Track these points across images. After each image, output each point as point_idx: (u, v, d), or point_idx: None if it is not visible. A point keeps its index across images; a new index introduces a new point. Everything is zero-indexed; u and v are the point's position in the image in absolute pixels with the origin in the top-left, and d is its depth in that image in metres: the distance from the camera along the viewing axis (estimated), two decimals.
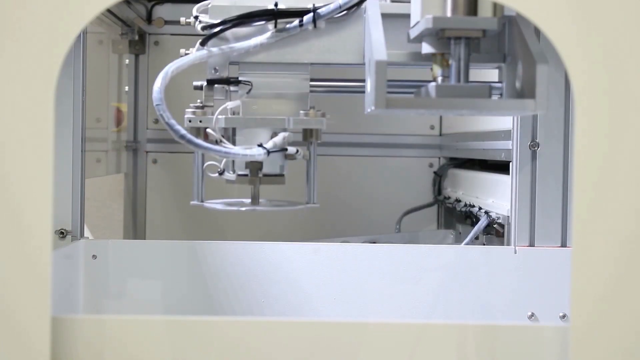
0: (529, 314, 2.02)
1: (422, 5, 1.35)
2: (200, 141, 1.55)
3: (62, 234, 1.99)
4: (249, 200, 1.68)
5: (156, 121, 3.05)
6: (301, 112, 1.63)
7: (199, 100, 1.68)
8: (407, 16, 1.46)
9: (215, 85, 1.65)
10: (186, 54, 1.67)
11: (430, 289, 2.04)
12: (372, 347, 1.29)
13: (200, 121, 1.63)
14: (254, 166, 1.63)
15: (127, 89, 3.03)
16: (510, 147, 2.05)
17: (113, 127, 2.98)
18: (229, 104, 1.63)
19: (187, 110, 1.68)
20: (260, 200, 1.66)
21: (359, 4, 1.56)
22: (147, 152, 3.05)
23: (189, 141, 1.55)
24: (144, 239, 2.97)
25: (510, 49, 1.46)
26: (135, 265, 2.05)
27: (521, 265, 2.01)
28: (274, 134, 1.61)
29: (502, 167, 2.21)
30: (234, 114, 1.64)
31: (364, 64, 1.55)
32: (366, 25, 1.51)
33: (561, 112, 2.01)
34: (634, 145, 1.25)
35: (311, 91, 1.66)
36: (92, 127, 2.60)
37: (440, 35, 1.37)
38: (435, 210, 3.00)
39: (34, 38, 1.25)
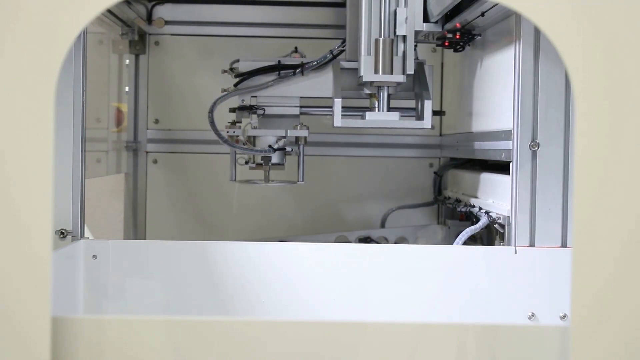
0: (529, 314, 2.02)
1: (363, 67, 2.28)
2: (236, 144, 2.56)
3: (62, 234, 1.99)
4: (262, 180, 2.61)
5: (156, 121, 3.05)
6: (294, 126, 2.57)
7: (233, 120, 2.61)
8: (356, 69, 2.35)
9: (243, 110, 2.58)
10: (225, 91, 2.58)
11: (431, 289, 2.04)
12: (372, 347, 1.29)
13: (234, 132, 2.58)
14: (266, 159, 2.57)
15: (127, 89, 3.03)
16: (511, 147, 2.05)
17: (113, 127, 2.98)
18: (251, 122, 2.58)
19: (225, 125, 2.60)
20: (270, 179, 2.60)
21: (327, 62, 2.52)
22: (147, 152, 3.05)
23: (230, 144, 2.53)
24: (144, 239, 2.97)
25: (415, 87, 2.44)
26: (135, 265, 2.05)
27: (521, 265, 2.01)
28: (279, 139, 2.56)
29: (502, 167, 2.21)
30: (254, 128, 2.57)
31: (332, 97, 2.45)
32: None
33: (561, 112, 2.01)
34: (634, 145, 1.25)
35: (301, 113, 2.59)
36: (92, 127, 2.61)
37: (371, 84, 2.33)
38: (436, 210, 3.00)
39: (34, 38, 1.25)
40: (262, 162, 2.57)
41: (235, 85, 2.56)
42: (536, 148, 2.02)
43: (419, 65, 2.43)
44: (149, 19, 2.97)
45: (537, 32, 2.00)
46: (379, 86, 2.30)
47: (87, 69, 2.03)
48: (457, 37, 2.43)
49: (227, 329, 1.30)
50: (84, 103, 2.02)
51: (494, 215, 2.17)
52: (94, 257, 2.04)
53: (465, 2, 2.28)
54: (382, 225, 2.92)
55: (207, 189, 3.02)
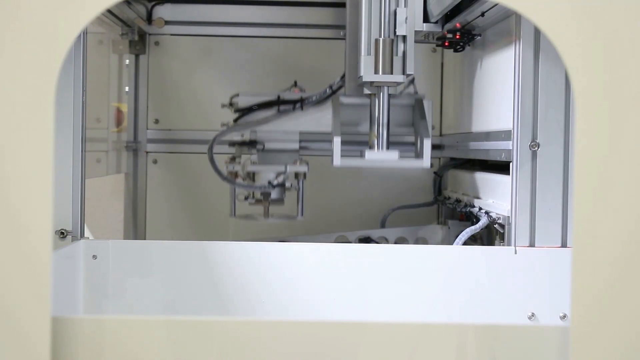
0: (529, 314, 2.02)
1: (363, 67, 2.25)
2: (236, 181, 2.54)
3: (62, 234, 1.99)
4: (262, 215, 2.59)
5: (156, 121, 3.05)
6: (293, 161, 2.53)
7: (233, 155, 2.60)
8: (357, 105, 2.47)
9: (242, 145, 2.58)
10: (224, 125, 2.60)
11: (430, 289, 2.04)
12: (372, 347, 1.29)
13: (234, 167, 2.55)
14: (266, 195, 2.54)
15: (127, 89, 3.03)
16: (511, 147, 2.05)
17: (113, 127, 2.98)
18: (251, 157, 2.58)
19: (225, 161, 2.57)
20: (269, 215, 2.58)
21: (327, 98, 2.52)
22: (147, 152, 3.05)
23: (230, 182, 2.53)
24: (144, 239, 2.97)
25: (414, 123, 2.46)
26: (135, 265, 2.05)
27: (521, 265, 2.01)
28: (278, 175, 2.52)
29: (502, 167, 2.21)
30: (253, 163, 2.55)
31: (330, 132, 2.44)
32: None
33: (561, 112, 2.01)
34: (634, 145, 1.25)
35: (300, 147, 2.58)
36: (92, 127, 2.60)
37: (371, 84, 2.30)
38: (436, 210, 3.00)
39: (34, 38, 1.25)
40: (261, 197, 2.56)
41: (235, 120, 2.57)
42: (536, 148, 2.02)
43: (418, 102, 2.44)
44: (149, 19, 2.97)
45: (537, 32, 2.00)
46: (379, 86, 2.30)
47: (87, 69, 2.03)
48: (457, 37, 2.43)
49: (227, 329, 1.30)
50: (84, 103, 2.02)
51: (494, 215, 2.17)
52: (94, 257, 2.04)
53: (465, 2, 2.28)
54: (382, 225, 2.92)
55: (207, 189, 3.02)
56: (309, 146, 2.62)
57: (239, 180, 2.55)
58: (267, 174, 2.53)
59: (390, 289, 2.04)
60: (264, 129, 2.55)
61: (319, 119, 2.54)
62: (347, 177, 3.05)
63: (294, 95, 2.57)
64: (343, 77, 2.48)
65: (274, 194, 2.54)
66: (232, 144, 2.60)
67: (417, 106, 2.43)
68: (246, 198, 2.57)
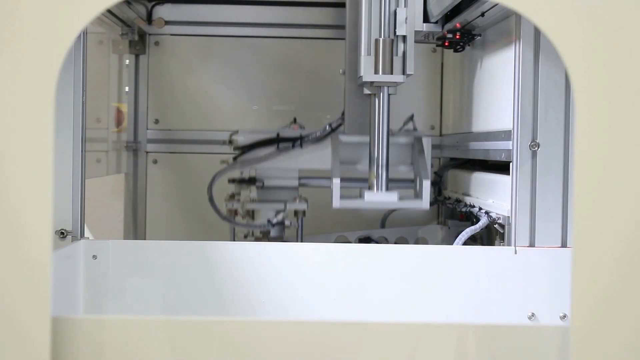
0: (529, 314, 2.02)
1: (363, 67, 2.25)
2: (235, 219, 2.59)
3: (62, 234, 1.99)
4: None
5: (156, 121, 3.05)
6: (292, 198, 2.57)
7: (232, 192, 2.64)
8: (356, 144, 2.48)
9: (242, 183, 2.61)
10: (224, 163, 2.60)
11: (431, 289, 2.04)
12: (372, 347, 1.29)
13: (233, 205, 2.59)
14: (265, 232, 2.58)
15: (127, 89, 3.03)
16: (511, 147, 2.05)
17: (113, 128, 2.98)
18: (250, 195, 2.59)
19: (224, 199, 2.61)
20: None
21: (326, 136, 2.54)
22: (147, 152, 3.05)
23: (229, 221, 2.58)
24: (144, 239, 2.97)
25: (413, 161, 2.46)
26: (135, 265, 2.05)
27: (521, 265, 2.01)
28: (278, 212, 2.54)
29: (502, 167, 2.21)
30: (253, 200, 2.58)
31: (329, 169, 2.43)
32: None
33: (561, 112, 2.01)
34: (634, 145, 1.25)
35: (300, 185, 2.60)
36: (92, 127, 2.61)
37: (371, 84, 2.30)
38: (436, 210, 3.00)
39: (34, 38, 1.25)
40: (261, 235, 2.59)
41: (235, 158, 2.60)
42: (536, 148, 2.02)
43: (417, 140, 2.46)
44: (149, 19, 2.97)
45: (537, 32, 2.00)
46: (379, 86, 2.30)
47: (87, 69, 2.03)
48: (457, 37, 2.43)
49: (227, 329, 1.30)
50: (84, 103, 2.02)
51: (494, 215, 2.17)
52: (94, 257, 2.04)
53: (465, 2, 2.28)
54: (382, 225, 2.92)
55: (206, 189, 3.02)
56: (308, 183, 2.64)
57: (238, 219, 2.59)
58: (267, 212, 2.56)
59: (390, 289, 2.04)
60: (264, 166, 2.58)
61: (318, 157, 2.57)
62: None
63: (294, 132, 2.59)
64: (343, 115, 2.50)
65: (274, 232, 2.57)
66: (232, 181, 2.63)
67: (417, 144, 2.45)
68: (246, 236, 2.61)
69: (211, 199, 2.58)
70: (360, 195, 2.32)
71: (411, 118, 2.59)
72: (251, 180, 2.60)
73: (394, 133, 2.46)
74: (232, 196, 2.62)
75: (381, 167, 2.31)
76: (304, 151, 2.58)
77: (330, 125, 2.54)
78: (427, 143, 2.46)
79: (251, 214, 2.59)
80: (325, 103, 3.03)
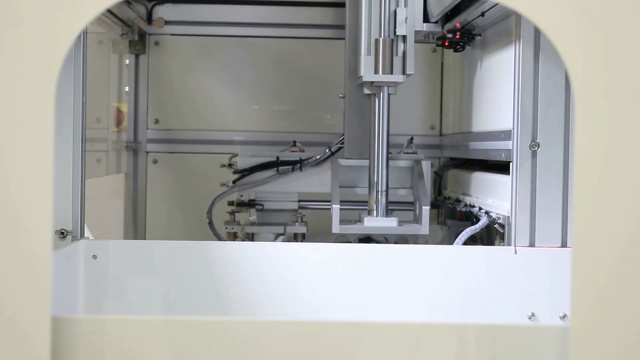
0: (529, 314, 2.02)
1: (363, 67, 2.27)
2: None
3: (62, 234, 1.99)
4: None
5: (156, 121, 3.05)
6: (292, 221, 2.62)
7: (231, 214, 2.69)
8: (355, 167, 2.49)
9: (242, 206, 2.65)
10: (223, 185, 2.66)
11: (430, 289, 2.04)
12: (372, 347, 1.29)
13: (233, 228, 2.63)
14: None
15: (127, 89, 3.03)
16: (511, 147, 2.05)
17: (113, 128, 2.98)
18: (250, 218, 2.67)
19: (224, 222, 2.66)
20: None
21: (325, 159, 2.57)
22: (147, 152, 3.05)
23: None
24: (144, 239, 2.97)
25: (413, 185, 2.50)
26: (135, 265, 2.05)
27: (521, 265, 2.01)
28: (277, 236, 2.58)
29: (502, 167, 2.21)
30: (252, 223, 2.63)
31: (329, 192, 2.47)
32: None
33: (561, 112, 2.01)
34: (634, 145, 1.25)
35: (299, 207, 2.64)
36: (92, 127, 2.61)
37: (371, 84, 2.32)
38: (436, 210, 3.00)
39: (34, 38, 1.25)
40: None
41: (234, 181, 2.63)
42: (536, 148, 2.02)
43: (417, 164, 2.48)
44: (149, 19, 2.98)
45: (537, 32, 2.00)
46: (379, 86, 2.30)
47: (87, 69, 2.03)
48: (457, 37, 2.43)
49: (227, 329, 1.30)
50: (84, 103, 2.02)
51: (494, 215, 2.17)
52: (94, 257, 2.04)
53: (465, 2, 2.28)
54: None
55: (207, 189, 3.02)
56: (307, 206, 2.67)
57: (238, 240, 2.62)
58: (267, 235, 2.59)
59: (390, 289, 2.04)
60: (264, 189, 2.61)
61: (318, 180, 2.61)
62: None
63: (293, 156, 2.62)
64: (342, 139, 2.52)
65: None
66: (232, 204, 2.65)
67: (416, 167, 2.47)
68: None
69: (210, 224, 2.63)
70: (360, 220, 2.35)
71: (411, 140, 2.60)
72: (251, 203, 2.63)
73: (393, 157, 2.47)
74: (232, 219, 2.65)
75: (380, 193, 2.33)
76: (304, 174, 2.61)
77: (329, 148, 2.56)
78: (426, 167, 2.47)
79: (251, 237, 2.61)
80: (325, 103, 3.03)
